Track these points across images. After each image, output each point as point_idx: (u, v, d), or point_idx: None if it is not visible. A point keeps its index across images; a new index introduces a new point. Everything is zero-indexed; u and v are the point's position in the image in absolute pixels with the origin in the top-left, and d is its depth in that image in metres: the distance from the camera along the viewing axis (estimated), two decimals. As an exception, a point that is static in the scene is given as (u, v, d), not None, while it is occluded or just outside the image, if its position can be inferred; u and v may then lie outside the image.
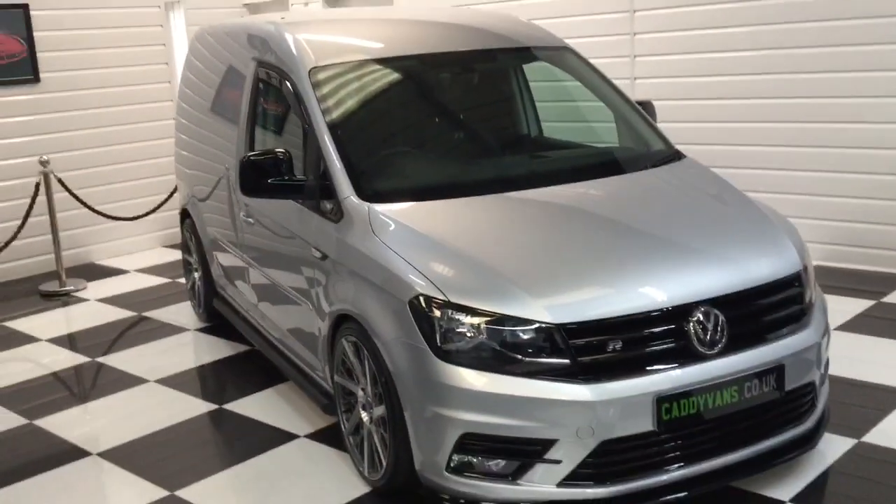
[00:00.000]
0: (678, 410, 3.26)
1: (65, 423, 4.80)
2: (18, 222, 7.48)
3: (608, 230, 3.79)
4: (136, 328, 6.39)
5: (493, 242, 3.63)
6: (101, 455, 4.38)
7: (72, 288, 7.52)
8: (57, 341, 6.21)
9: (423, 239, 3.63)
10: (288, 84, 4.51)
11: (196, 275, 6.30)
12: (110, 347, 5.99)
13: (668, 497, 3.34)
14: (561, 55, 5.01)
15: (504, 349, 3.26)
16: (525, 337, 3.26)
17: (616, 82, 5.06)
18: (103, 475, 4.20)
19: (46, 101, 8.11)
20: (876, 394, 4.45)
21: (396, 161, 4.31)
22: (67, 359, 5.83)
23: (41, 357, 5.90)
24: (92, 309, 6.97)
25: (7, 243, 7.41)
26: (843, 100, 6.38)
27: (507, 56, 5.00)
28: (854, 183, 6.46)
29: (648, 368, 3.26)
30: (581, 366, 3.23)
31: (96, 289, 7.52)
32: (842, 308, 5.67)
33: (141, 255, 8.61)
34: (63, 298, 7.35)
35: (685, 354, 3.32)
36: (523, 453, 3.26)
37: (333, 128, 4.16)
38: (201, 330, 6.21)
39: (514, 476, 3.29)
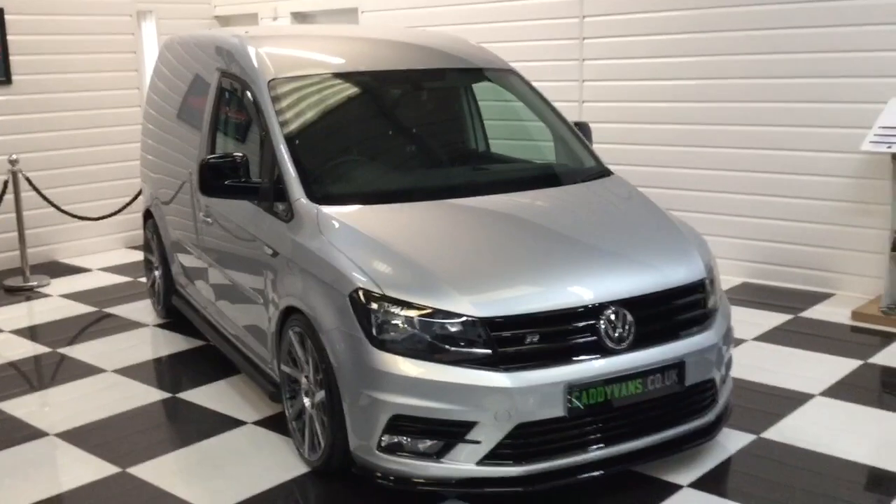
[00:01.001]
0: (587, 399, 3.63)
1: (24, 407, 5.07)
2: (-15, 219, 7.74)
3: (534, 235, 4.17)
4: (97, 323, 6.66)
5: (429, 243, 3.99)
6: (58, 436, 4.66)
7: (35, 284, 7.76)
8: (20, 333, 6.46)
9: (365, 239, 3.98)
10: (248, 94, 4.85)
11: (156, 273, 6.59)
12: (72, 340, 6.25)
13: (579, 476, 3.71)
14: (506, 77, 5.40)
15: (433, 339, 3.61)
16: (452, 329, 3.61)
17: (564, 105, 5.44)
18: (58, 453, 4.48)
19: (17, 102, 8.38)
20: (779, 398, 4.85)
21: (346, 168, 4.66)
22: (29, 349, 6.09)
23: (3, 347, 6.15)
24: (55, 304, 7.22)
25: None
26: (768, 128, 6.84)
27: (456, 75, 5.38)
28: (779, 206, 6.91)
29: (561, 360, 3.63)
30: (501, 356, 3.59)
31: (60, 285, 7.77)
32: (760, 321, 6.10)
33: (105, 254, 8.87)
34: (27, 293, 7.60)
35: (595, 349, 3.70)
36: (447, 434, 3.61)
37: (288, 135, 4.50)
38: (160, 326, 6.50)
39: (438, 455, 3.63)
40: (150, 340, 6.22)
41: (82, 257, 8.77)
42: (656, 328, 3.85)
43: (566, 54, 7.83)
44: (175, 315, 6.40)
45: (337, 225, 4.09)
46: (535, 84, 5.47)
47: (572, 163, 5.09)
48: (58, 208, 8.14)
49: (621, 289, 3.81)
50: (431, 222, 4.21)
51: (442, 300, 3.64)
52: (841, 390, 4.92)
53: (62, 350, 6.04)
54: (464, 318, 3.60)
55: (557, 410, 3.61)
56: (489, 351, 3.59)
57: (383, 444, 3.69)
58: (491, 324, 3.59)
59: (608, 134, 7.76)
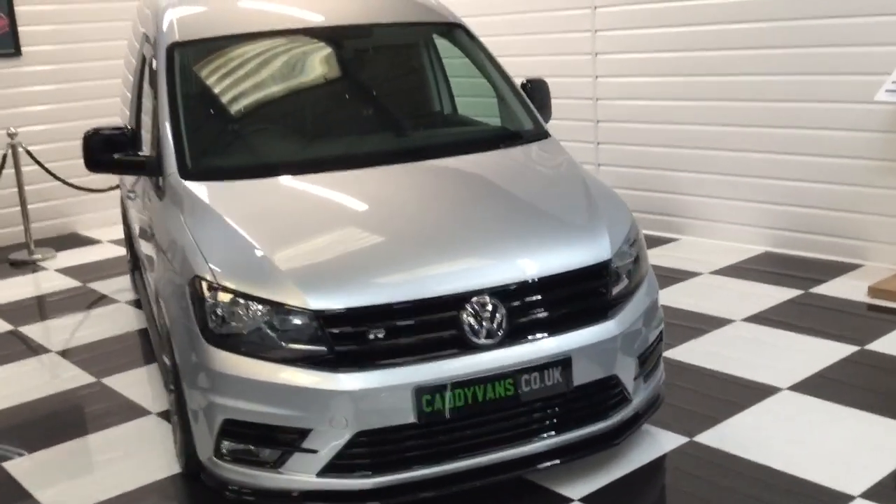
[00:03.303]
0: (441, 403, 3.14)
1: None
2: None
3: (412, 213, 3.66)
4: (73, 298, 6.52)
5: (280, 226, 3.55)
6: (-41, 423, 4.50)
7: (39, 257, 7.73)
8: (-8, 309, 6.39)
9: (217, 220, 3.58)
10: (154, 60, 4.49)
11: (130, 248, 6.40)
12: (36, 317, 6.13)
13: (435, 492, 3.24)
14: (451, 32, 4.86)
15: (265, 335, 3.19)
16: (284, 323, 3.18)
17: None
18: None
19: (27, 74, 8.32)
20: (737, 392, 4.20)
21: (230, 140, 4.26)
22: (-11, 327, 6.01)
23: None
24: (46, 278, 7.16)
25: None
26: (785, 77, 6.07)
27: (388, 31, 4.83)
28: (801, 165, 6.13)
29: (411, 359, 3.15)
30: (339, 354, 3.13)
31: (63, 259, 7.71)
32: (763, 297, 5.44)
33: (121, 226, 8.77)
34: (31, 267, 7.57)
35: (457, 345, 3.20)
36: (282, 442, 3.20)
37: (174, 105, 4.12)
38: (132, 302, 6.31)
39: (276, 465, 3.23)
40: (111, 318, 6.01)
41: (100, 229, 8.70)
42: (537, 320, 3.31)
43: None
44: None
45: (196, 204, 3.70)
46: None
47: (510, 125, 4.54)
48: (62, 181, 8.04)
49: (493, 276, 3.28)
50: (301, 200, 3.77)
51: (275, 290, 3.20)
52: (816, 384, 4.23)
53: (22, 328, 5.91)
54: (296, 311, 3.15)
55: (407, 416, 3.13)
56: (324, 348, 3.14)
57: (224, 450, 3.31)
58: (326, 318, 3.14)
59: (616, 89, 7.11)
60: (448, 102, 5.30)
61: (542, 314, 3.32)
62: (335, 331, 3.14)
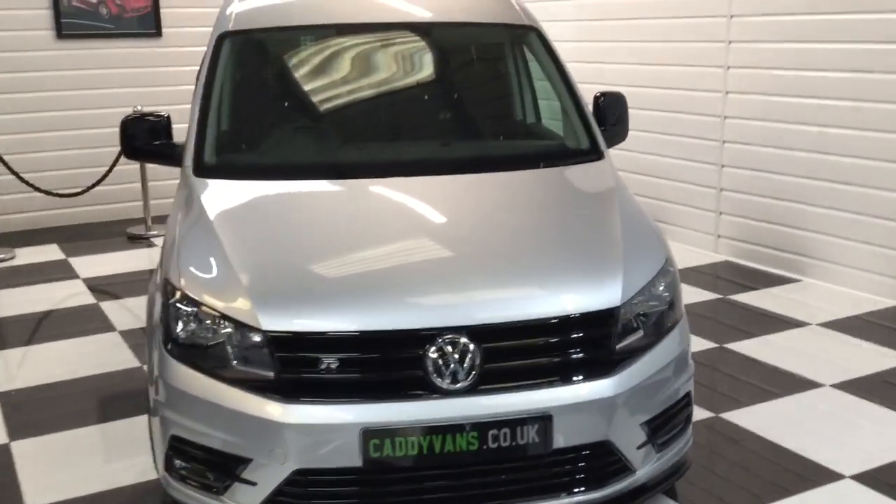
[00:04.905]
0: (391, 449, 2.81)
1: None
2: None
3: (399, 237, 3.31)
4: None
5: (264, 236, 3.29)
6: (-2, 395, 4.58)
7: (155, 233, 7.93)
8: (88, 281, 6.54)
9: (204, 223, 3.37)
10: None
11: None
12: (124, 293, 6.22)
13: (385, 545, 2.91)
14: (524, 36, 4.46)
15: (224, 351, 2.96)
16: (241, 342, 2.93)
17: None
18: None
19: (166, 55, 8.55)
20: (788, 472, 3.60)
21: (250, 137, 4.03)
22: (76, 299, 6.13)
23: (55, 293, 6.25)
24: (148, 254, 7.32)
25: (90, 187, 7.95)
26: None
27: (445, 31, 4.47)
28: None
29: (363, 397, 2.83)
30: (286, 382, 2.86)
31: (176, 236, 7.86)
32: (873, 359, 4.75)
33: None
34: (146, 242, 7.78)
35: (419, 387, 2.85)
36: (223, 468, 2.95)
37: (205, 98, 3.98)
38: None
39: (220, 491, 2.99)
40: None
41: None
42: (516, 367, 2.91)
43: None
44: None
45: (193, 202, 3.53)
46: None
47: (563, 141, 4.13)
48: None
49: (468, 315, 2.90)
50: (299, 209, 3.50)
51: (231, 304, 2.96)
52: (891, 471, 3.57)
53: (105, 303, 6.02)
54: (246, 329, 2.90)
55: (352, 459, 2.82)
56: (271, 374, 2.87)
57: (176, 468, 3.10)
58: (277, 341, 2.87)
59: (749, 107, 6.44)
60: (528, 110, 4.88)
61: (524, 362, 2.92)
62: (284, 355, 2.87)
